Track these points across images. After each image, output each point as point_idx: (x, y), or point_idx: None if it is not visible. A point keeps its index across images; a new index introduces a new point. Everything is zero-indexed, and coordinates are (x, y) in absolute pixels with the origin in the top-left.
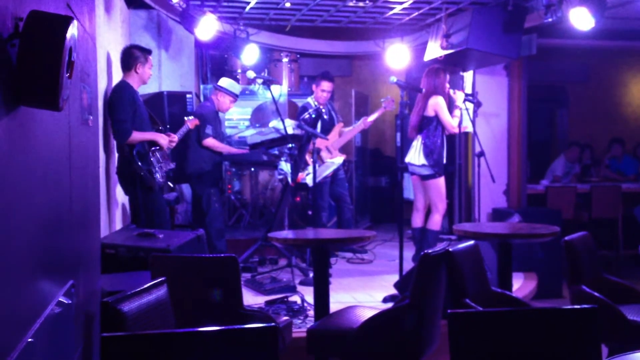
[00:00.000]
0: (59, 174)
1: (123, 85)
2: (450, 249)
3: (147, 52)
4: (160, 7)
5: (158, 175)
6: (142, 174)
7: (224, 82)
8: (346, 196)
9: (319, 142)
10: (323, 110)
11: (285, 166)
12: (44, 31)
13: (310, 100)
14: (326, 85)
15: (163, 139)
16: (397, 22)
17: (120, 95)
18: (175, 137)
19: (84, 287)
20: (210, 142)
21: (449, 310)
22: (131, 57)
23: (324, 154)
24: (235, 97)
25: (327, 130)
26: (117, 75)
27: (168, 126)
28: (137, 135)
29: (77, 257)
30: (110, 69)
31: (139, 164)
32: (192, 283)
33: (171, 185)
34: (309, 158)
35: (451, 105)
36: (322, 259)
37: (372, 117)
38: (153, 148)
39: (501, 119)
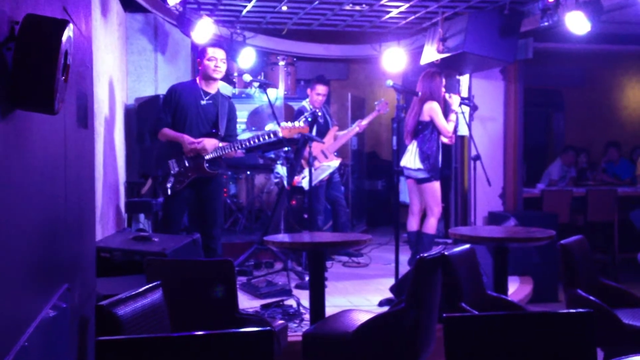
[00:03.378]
0: (54, 177)
1: (172, 85)
2: (446, 253)
3: (209, 45)
4: (157, 10)
5: (171, 180)
6: (153, 177)
7: None
8: (342, 199)
9: (315, 146)
10: (319, 114)
11: (281, 169)
12: (40, 35)
13: (305, 103)
14: (321, 89)
15: (185, 145)
16: (393, 25)
17: (166, 93)
18: (202, 144)
19: (79, 290)
20: None
21: (444, 314)
22: (196, 54)
23: (319, 158)
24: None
25: (322, 133)
26: (114, 79)
27: (218, 132)
28: (165, 133)
29: (72, 260)
30: (107, 72)
31: (152, 165)
32: (187, 287)
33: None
34: (304, 162)
35: (447, 109)
36: (318, 262)
37: (366, 121)
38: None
39: (497, 122)
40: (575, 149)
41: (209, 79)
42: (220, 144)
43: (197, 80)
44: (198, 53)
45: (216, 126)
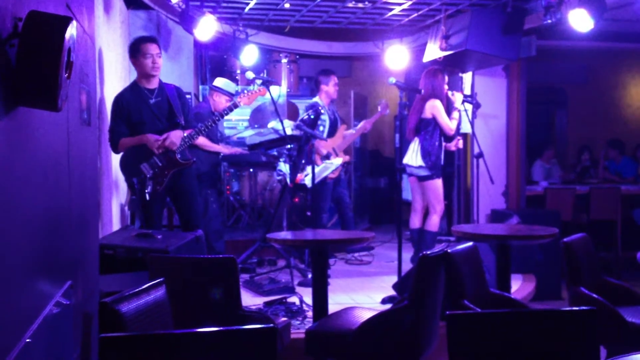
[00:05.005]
0: (58, 174)
1: (119, 93)
2: (449, 250)
3: (140, 40)
4: (160, 7)
5: (149, 185)
6: (130, 186)
7: (219, 81)
8: (347, 196)
9: (326, 144)
10: (322, 111)
11: (284, 167)
12: (43, 31)
13: (317, 99)
14: (335, 78)
15: (150, 144)
16: (396, 23)
17: (112, 104)
18: (169, 138)
19: (82, 287)
20: (200, 140)
21: (447, 312)
22: (129, 52)
23: (332, 156)
24: (230, 96)
25: (333, 131)
26: (116, 76)
27: (180, 122)
28: (124, 142)
29: (76, 257)
30: (109, 69)
31: (125, 174)
32: (190, 284)
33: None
34: (319, 159)
35: (450, 107)
36: (321, 259)
37: (370, 122)
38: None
39: (500, 120)
40: (553, 145)
41: (149, 76)
42: (185, 133)
43: (137, 81)
44: (129, 51)
45: (173, 117)
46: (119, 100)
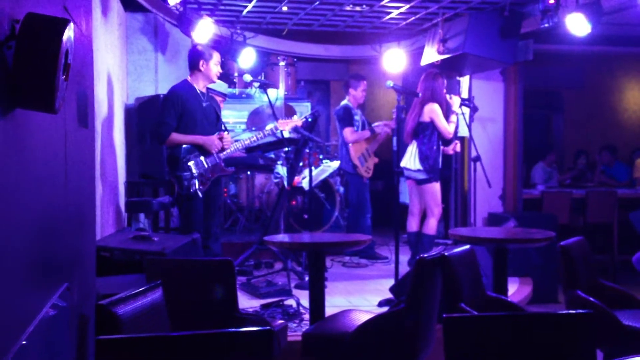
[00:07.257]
0: (55, 176)
1: (172, 88)
2: (446, 254)
3: (214, 48)
4: (158, 10)
5: (195, 182)
6: (168, 179)
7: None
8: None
9: (356, 148)
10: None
11: (281, 170)
12: (41, 33)
13: (347, 102)
14: (364, 84)
15: (209, 144)
16: (393, 26)
17: (164, 98)
18: (226, 137)
19: (78, 289)
20: None
21: (444, 315)
22: (195, 54)
23: (370, 159)
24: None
25: None
26: (115, 78)
27: (225, 130)
28: (175, 138)
29: (72, 259)
30: (107, 71)
31: (168, 169)
32: (187, 286)
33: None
34: (356, 158)
35: (448, 111)
36: (318, 262)
37: (389, 125)
38: (200, 152)
39: (497, 123)
40: (557, 151)
41: (208, 81)
42: None
43: (192, 82)
44: (199, 53)
45: (219, 125)
46: (176, 93)
